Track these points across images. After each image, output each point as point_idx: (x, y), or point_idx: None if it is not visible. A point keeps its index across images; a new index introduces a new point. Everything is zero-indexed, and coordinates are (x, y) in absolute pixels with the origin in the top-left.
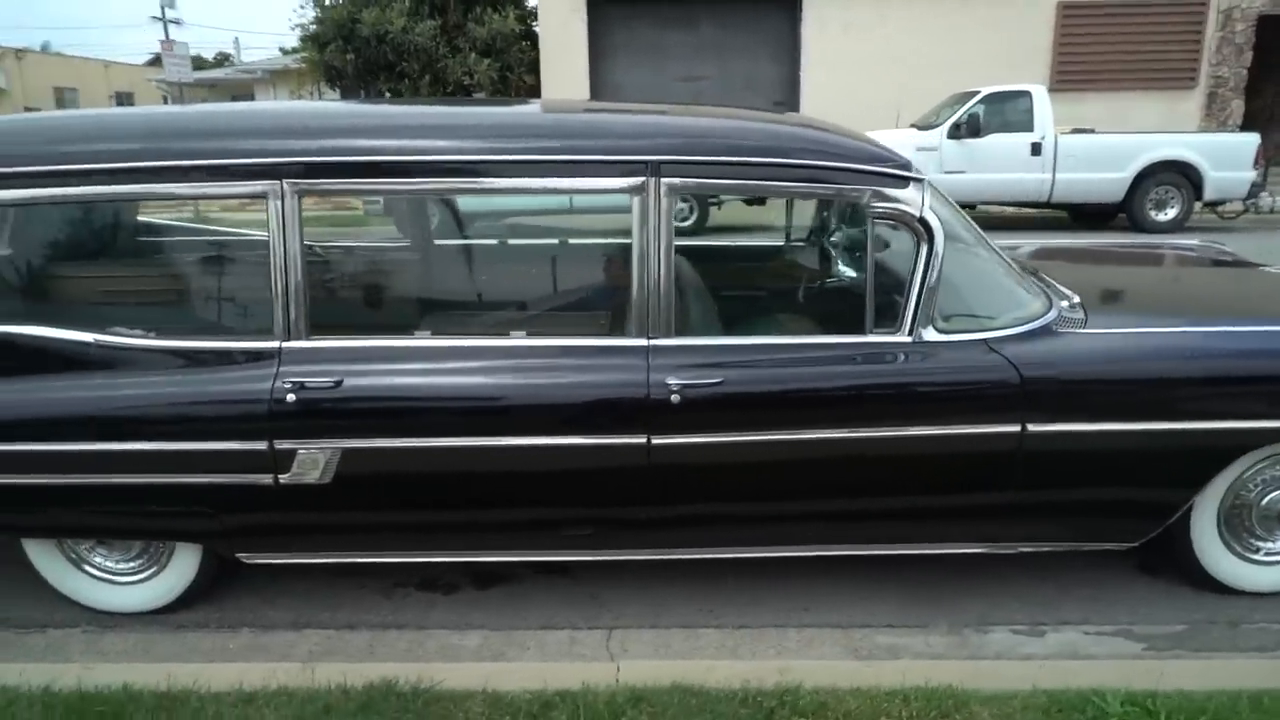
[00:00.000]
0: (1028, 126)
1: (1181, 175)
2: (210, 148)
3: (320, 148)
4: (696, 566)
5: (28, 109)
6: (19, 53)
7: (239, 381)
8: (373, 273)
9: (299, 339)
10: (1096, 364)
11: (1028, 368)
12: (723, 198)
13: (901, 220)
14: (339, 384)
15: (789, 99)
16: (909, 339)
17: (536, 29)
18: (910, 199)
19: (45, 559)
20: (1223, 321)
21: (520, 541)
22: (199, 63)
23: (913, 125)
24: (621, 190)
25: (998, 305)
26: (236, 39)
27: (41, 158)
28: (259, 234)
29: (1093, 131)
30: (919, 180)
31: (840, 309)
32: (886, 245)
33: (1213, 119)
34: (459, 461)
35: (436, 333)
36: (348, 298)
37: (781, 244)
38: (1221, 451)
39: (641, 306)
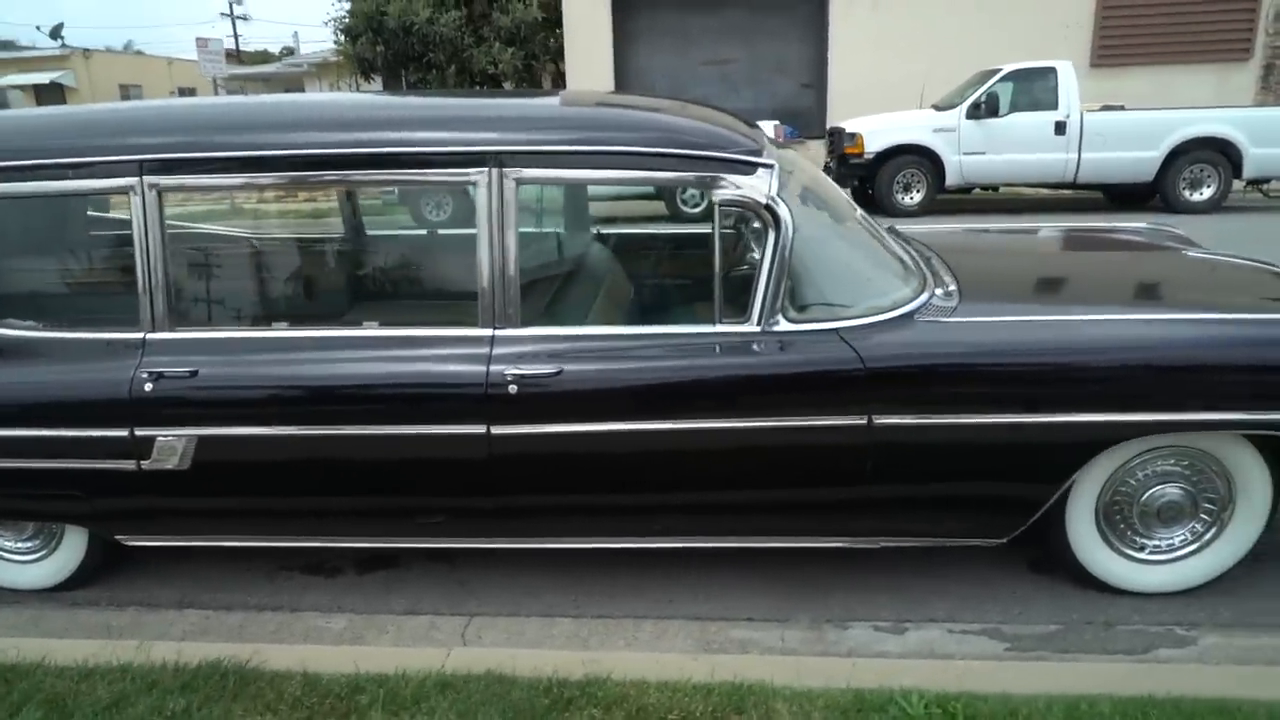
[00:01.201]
0: (1053, 105)
1: (1219, 153)
2: (79, 145)
3: (177, 144)
4: (568, 556)
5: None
6: (86, 52)
7: (104, 371)
8: (240, 266)
9: (163, 331)
10: (946, 354)
11: (874, 359)
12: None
13: (747, 207)
14: (195, 374)
15: (817, 81)
16: (757, 329)
17: (561, 16)
18: (756, 186)
19: None
20: (1096, 310)
21: (374, 528)
22: (265, 57)
23: (934, 106)
24: (464, 181)
25: (857, 294)
26: (295, 33)
27: None
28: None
29: (1123, 109)
30: (768, 166)
31: (694, 298)
32: (745, 233)
33: (1270, 93)
34: (309, 449)
35: (293, 324)
36: (213, 291)
37: (642, 232)
38: (1081, 446)
39: (486, 297)
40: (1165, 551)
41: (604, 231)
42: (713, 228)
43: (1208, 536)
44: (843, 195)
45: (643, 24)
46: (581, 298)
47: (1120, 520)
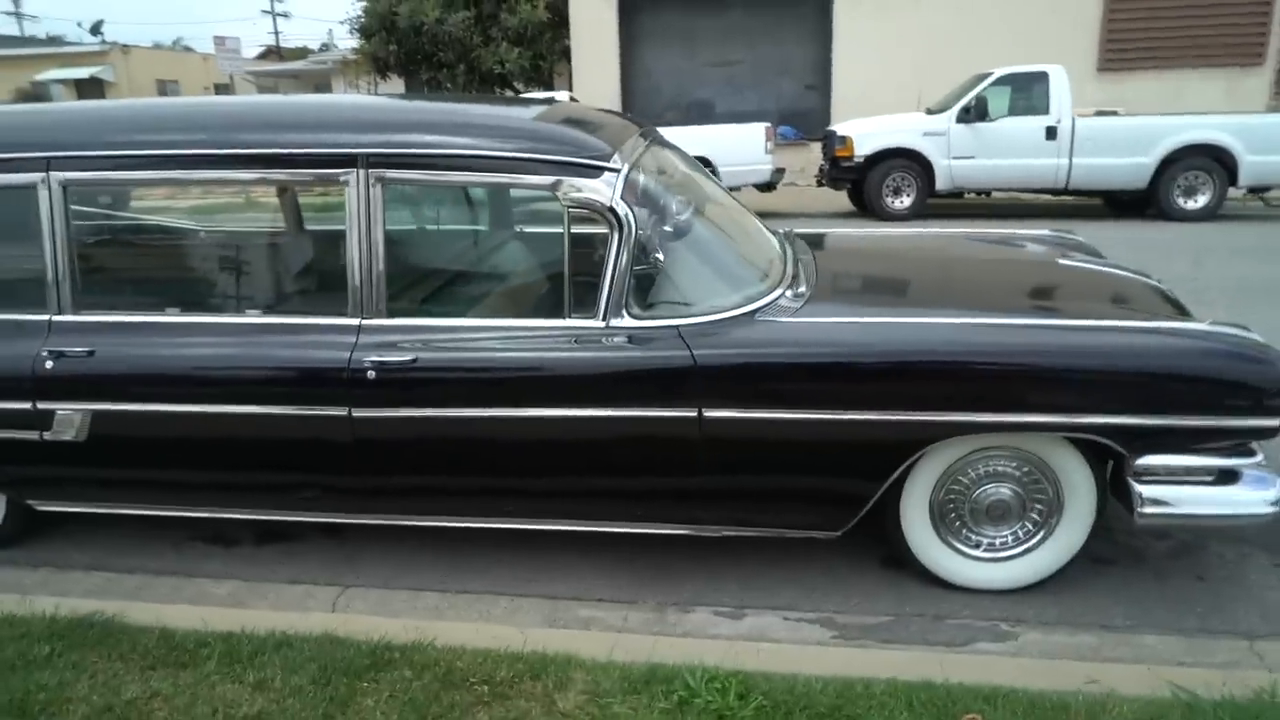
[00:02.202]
0: (1045, 109)
1: (1214, 160)
2: None
3: (77, 143)
4: (444, 534)
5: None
6: (125, 48)
7: (13, 349)
8: (143, 255)
9: (67, 313)
10: (772, 353)
11: (704, 355)
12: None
13: (592, 209)
14: (92, 354)
15: (821, 82)
16: (601, 324)
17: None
18: (600, 189)
19: None
20: (931, 314)
21: (253, 501)
22: (305, 54)
23: (927, 110)
24: (335, 181)
25: (703, 294)
26: (330, 30)
27: None
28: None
29: (1116, 114)
30: (614, 171)
31: (551, 294)
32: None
33: None
34: (193, 426)
35: (185, 310)
36: (115, 278)
37: (511, 230)
38: (901, 445)
39: (355, 289)
40: (999, 550)
41: (477, 228)
42: (561, 228)
43: (1038, 537)
44: (726, 198)
45: (649, 25)
46: (450, 291)
47: (955, 517)
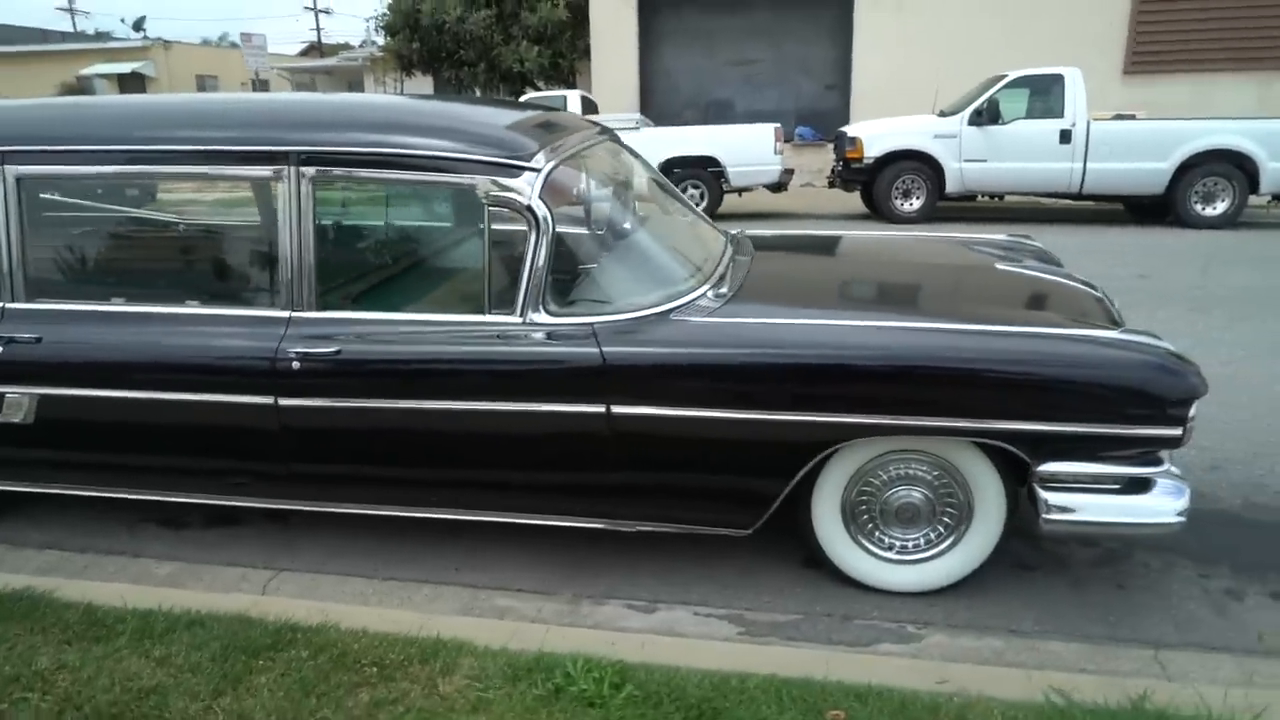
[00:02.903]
0: (1059, 112)
1: (1234, 166)
2: None
3: (28, 139)
4: (382, 522)
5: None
6: (166, 44)
7: None
8: (95, 246)
9: (19, 301)
10: (678, 352)
11: (613, 353)
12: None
13: (511, 208)
14: (39, 340)
15: (841, 82)
16: (519, 320)
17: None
18: (520, 188)
19: None
20: (845, 316)
21: (190, 485)
22: (346, 50)
23: (940, 112)
24: (267, 177)
25: (621, 292)
26: (369, 26)
27: None
28: None
29: (1134, 118)
30: (534, 170)
31: (473, 290)
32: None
33: None
34: (132, 412)
35: (130, 300)
36: (67, 267)
37: (441, 227)
38: (803, 445)
39: (285, 283)
40: (910, 552)
41: (407, 225)
42: (483, 225)
43: (948, 541)
44: (672, 201)
45: (669, 25)
46: (378, 286)
47: (867, 519)
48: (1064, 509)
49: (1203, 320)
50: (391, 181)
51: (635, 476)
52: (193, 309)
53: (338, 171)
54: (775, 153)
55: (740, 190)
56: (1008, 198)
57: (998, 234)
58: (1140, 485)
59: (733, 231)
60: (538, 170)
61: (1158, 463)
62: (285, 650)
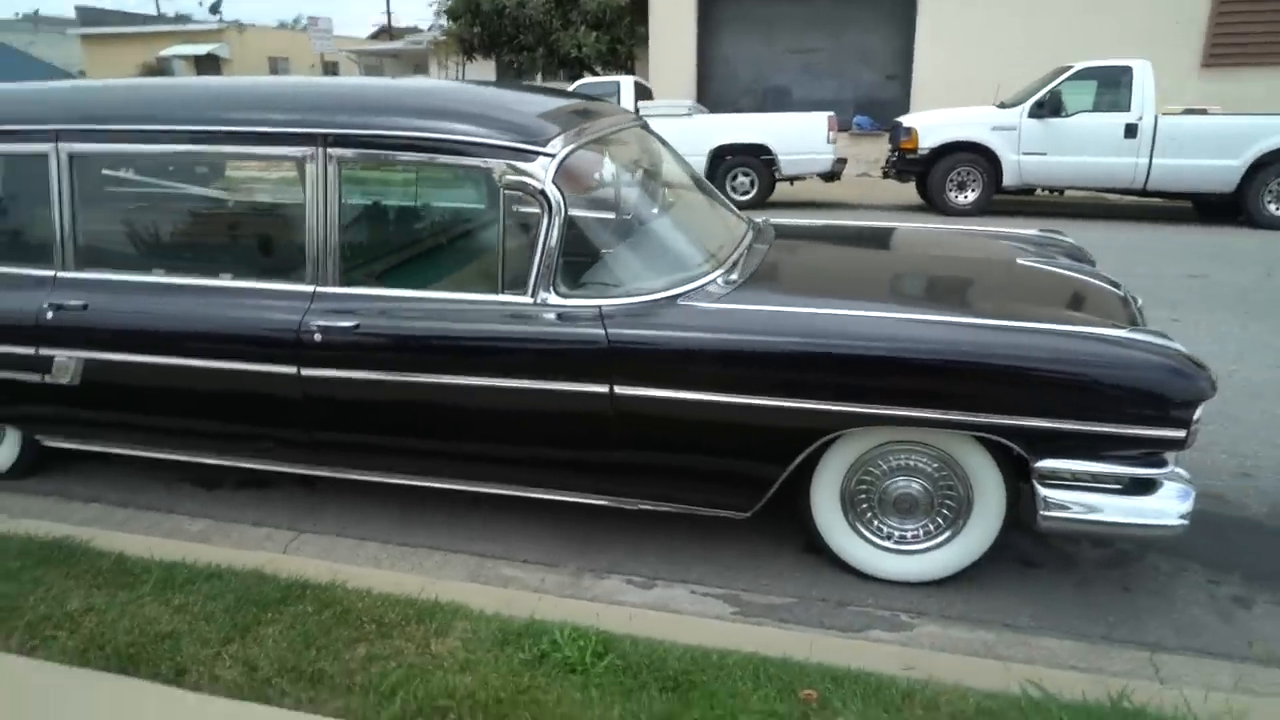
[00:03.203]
0: (1125, 105)
1: None
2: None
3: (82, 118)
4: (402, 491)
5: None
6: (240, 26)
7: (23, 299)
8: (142, 219)
9: (70, 270)
10: (680, 336)
11: (617, 335)
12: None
13: (526, 191)
14: (86, 307)
15: (902, 72)
16: (531, 301)
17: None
18: (535, 173)
19: None
20: (850, 307)
21: (221, 448)
22: (414, 33)
23: (1001, 103)
24: (297, 157)
25: (630, 276)
26: (436, 10)
27: None
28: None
29: (1205, 113)
30: (549, 155)
31: (489, 270)
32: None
33: None
34: (169, 377)
35: (169, 272)
36: (114, 239)
37: (461, 207)
38: (801, 431)
39: (312, 258)
40: (909, 542)
41: (431, 205)
42: (500, 207)
43: (947, 533)
44: (694, 188)
45: (728, 10)
46: (400, 264)
47: (866, 507)
48: (1062, 506)
49: (1255, 324)
50: (412, 164)
51: (636, 456)
52: (226, 282)
53: (363, 154)
54: (828, 142)
55: (792, 179)
56: (1068, 192)
57: (1030, 229)
58: (1144, 486)
59: (758, 220)
60: (552, 155)
61: (1162, 464)
62: (294, 605)
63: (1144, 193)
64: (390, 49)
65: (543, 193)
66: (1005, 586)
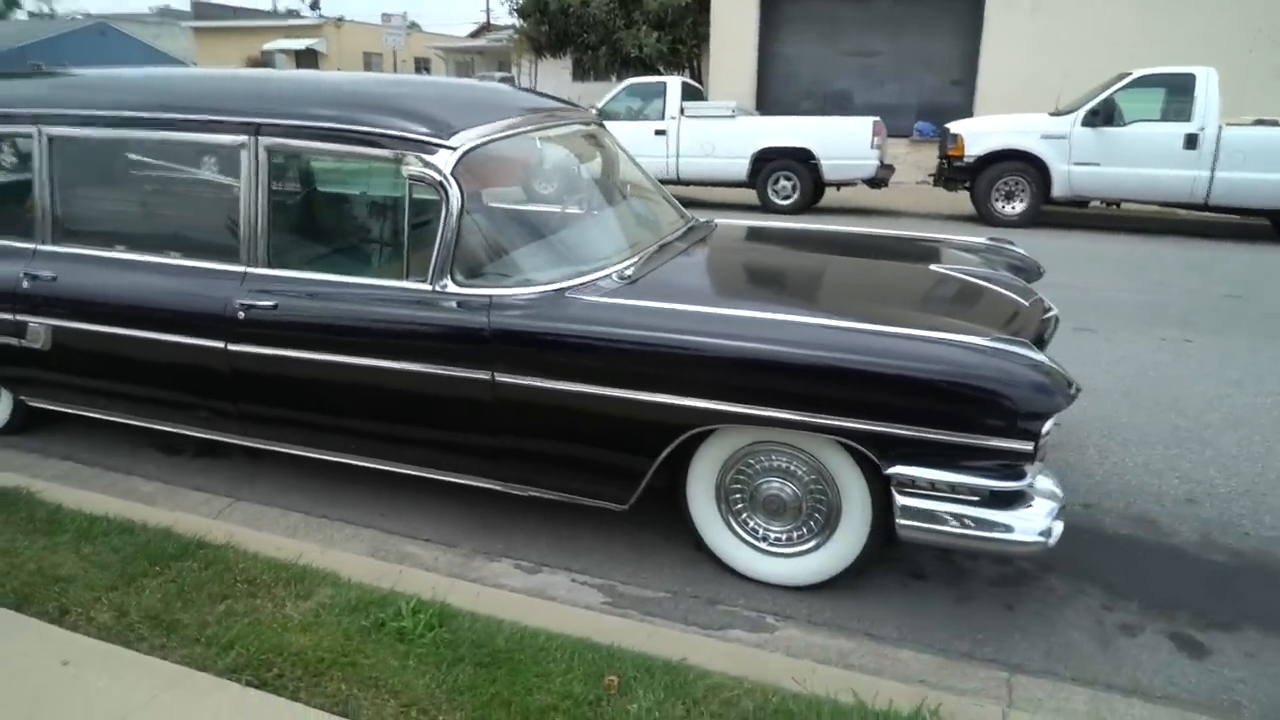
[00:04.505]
0: (1187, 115)
1: None
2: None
3: (58, 104)
4: (331, 466)
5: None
6: (338, 22)
7: (3, 269)
8: (115, 198)
9: (47, 244)
10: (554, 327)
11: (499, 324)
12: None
13: (426, 182)
14: (55, 279)
15: (967, 77)
16: (429, 288)
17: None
18: (436, 164)
19: None
20: (727, 306)
21: (166, 415)
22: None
23: (1054, 111)
24: (232, 145)
25: (526, 267)
26: (509, 8)
27: None
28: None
29: (1276, 124)
30: (450, 149)
31: (398, 256)
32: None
33: None
34: (120, 346)
35: (128, 249)
36: (88, 216)
37: (381, 195)
38: (663, 426)
39: (245, 241)
40: (783, 545)
41: (353, 193)
42: (404, 196)
43: (817, 539)
44: (629, 187)
45: (790, 12)
46: (322, 249)
47: (740, 505)
48: (918, 515)
49: (1271, 348)
50: (331, 154)
51: (518, 442)
52: (174, 260)
53: (288, 144)
54: (872, 147)
55: (839, 185)
56: (1126, 205)
57: (979, 238)
58: (1007, 499)
59: (705, 220)
60: (454, 149)
61: (1019, 477)
62: (183, 561)
63: (1206, 207)
64: (475, 46)
65: (441, 184)
66: (883, 597)
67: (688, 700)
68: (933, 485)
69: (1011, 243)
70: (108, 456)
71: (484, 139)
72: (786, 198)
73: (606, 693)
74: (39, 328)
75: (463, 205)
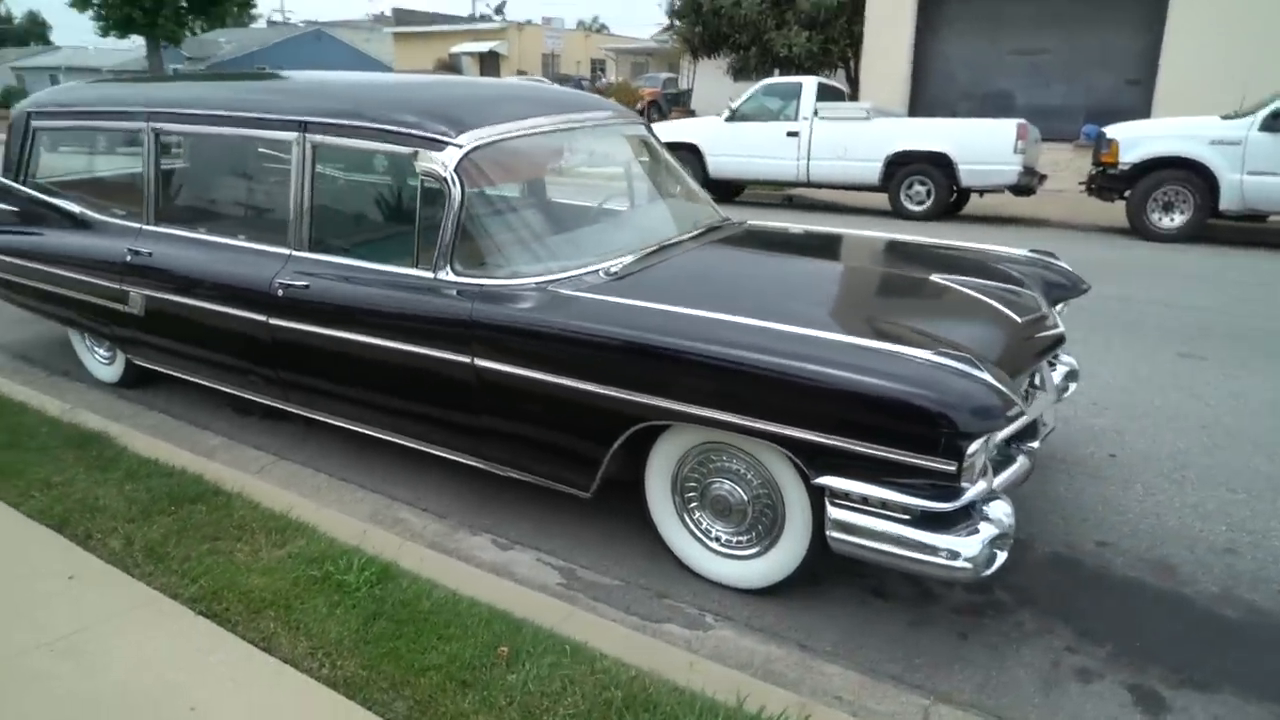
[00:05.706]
0: None
1: None
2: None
3: (161, 104)
4: (365, 436)
5: (519, 72)
6: (520, 26)
7: (111, 244)
8: (203, 185)
9: (150, 224)
10: (523, 317)
11: (480, 312)
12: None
13: (433, 177)
14: (151, 254)
15: (1145, 77)
16: (431, 276)
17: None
18: (442, 160)
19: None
20: (699, 308)
21: (224, 378)
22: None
23: (1230, 114)
24: (285, 140)
25: (517, 260)
26: (666, 10)
27: None
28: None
29: None
30: (456, 146)
31: (411, 245)
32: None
33: None
34: (191, 314)
35: (208, 230)
36: (182, 201)
37: (408, 187)
38: (613, 417)
39: (290, 226)
40: (733, 547)
41: (386, 184)
42: (418, 189)
43: (762, 544)
44: (649, 181)
45: (950, 9)
46: (354, 235)
47: (694, 502)
48: (847, 528)
49: None
50: (359, 149)
51: (493, 423)
52: (238, 240)
53: (329, 140)
54: (1016, 151)
55: (980, 191)
56: None
57: (1020, 249)
58: (943, 520)
59: (734, 220)
60: (460, 146)
61: (953, 497)
62: (196, 504)
63: None
64: (646, 48)
65: (446, 180)
66: (832, 610)
67: (565, 678)
68: (865, 500)
69: (1054, 255)
70: (190, 411)
71: (494, 138)
72: (920, 203)
73: (495, 660)
74: (138, 295)
75: (463, 199)
